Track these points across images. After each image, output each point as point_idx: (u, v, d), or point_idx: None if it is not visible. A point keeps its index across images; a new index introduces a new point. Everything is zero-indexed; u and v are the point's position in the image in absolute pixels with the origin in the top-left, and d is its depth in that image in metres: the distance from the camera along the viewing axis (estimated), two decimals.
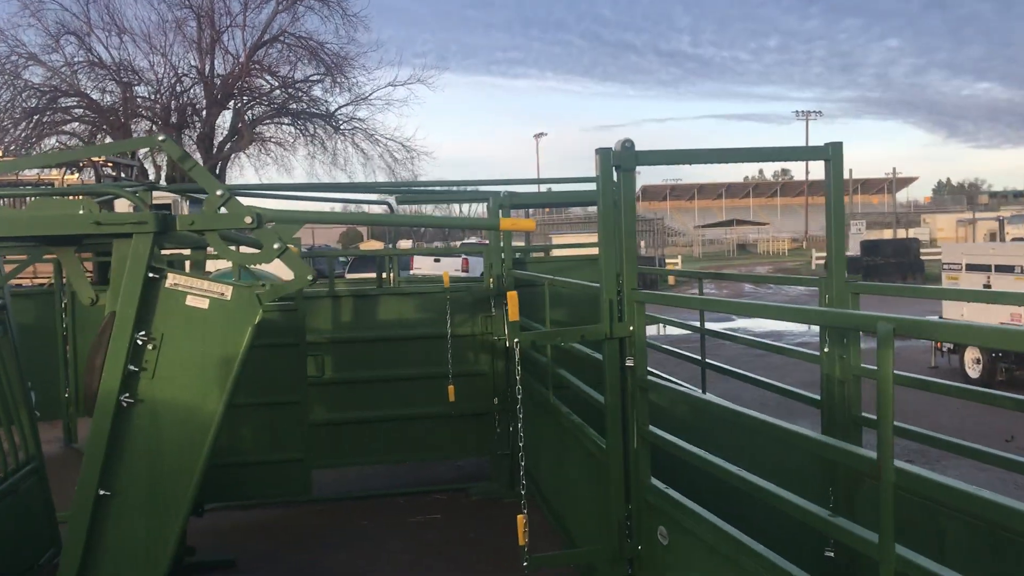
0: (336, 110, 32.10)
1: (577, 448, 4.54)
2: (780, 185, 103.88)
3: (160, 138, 3.25)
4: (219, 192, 3.25)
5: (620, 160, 3.39)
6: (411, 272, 24.84)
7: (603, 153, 3.40)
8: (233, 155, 31.48)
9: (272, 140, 32.55)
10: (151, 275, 3.18)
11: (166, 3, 29.05)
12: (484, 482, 6.95)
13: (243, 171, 32.25)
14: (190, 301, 3.24)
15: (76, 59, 29.09)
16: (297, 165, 36.53)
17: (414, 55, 56.72)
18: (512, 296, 3.45)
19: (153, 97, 30.41)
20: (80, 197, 3.36)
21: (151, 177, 26.96)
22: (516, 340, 3.38)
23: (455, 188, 7.43)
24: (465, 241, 33.62)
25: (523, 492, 3.79)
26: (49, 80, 28.67)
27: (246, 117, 31.67)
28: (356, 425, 6.65)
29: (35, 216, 3.13)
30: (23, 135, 27.36)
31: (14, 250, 5.23)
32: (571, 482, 4.97)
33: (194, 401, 3.26)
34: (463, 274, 21.78)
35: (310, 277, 3.30)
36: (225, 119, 31.19)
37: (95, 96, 29.43)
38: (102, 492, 3.20)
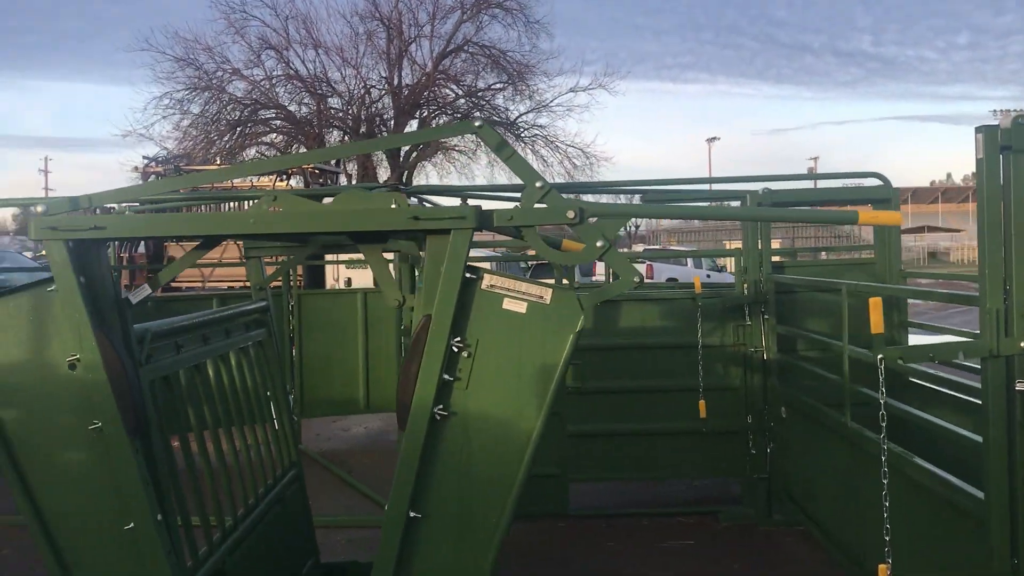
0: (517, 118, 32.20)
1: (901, 482, 3.93)
2: (971, 190, 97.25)
3: (477, 124, 2.95)
4: (538, 184, 2.91)
5: (1012, 140, 2.82)
6: (591, 279, 24.36)
7: (987, 132, 2.84)
8: (418, 164, 32.05)
9: (455, 148, 32.99)
10: (467, 275, 2.87)
11: (358, 16, 29.96)
12: (735, 507, 6.40)
13: (428, 179, 32.76)
14: (507, 304, 2.91)
15: (275, 73, 30.45)
16: (479, 173, 36.86)
17: (584, 63, 56.69)
18: (875, 304, 2.96)
19: (344, 108, 31.43)
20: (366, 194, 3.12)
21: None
22: (881, 356, 2.88)
23: (698, 187, 6.94)
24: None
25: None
26: (250, 93, 30.13)
27: (430, 126, 32.25)
28: (607, 438, 6.27)
29: (348, 211, 2.88)
30: (228, 146, 28.82)
31: (273, 251, 5.15)
32: (878, 518, 4.37)
33: (509, 415, 2.92)
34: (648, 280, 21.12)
35: (636, 279, 2.91)
36: (411, 128, 31.88)
37: (291, 108, 30.71)
38: (412, 514, 2.91)
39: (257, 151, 30.18)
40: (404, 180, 29.69)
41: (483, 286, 2.91)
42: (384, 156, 30.58)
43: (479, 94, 31.71)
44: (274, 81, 30.37)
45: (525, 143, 32.29)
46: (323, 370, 9.07)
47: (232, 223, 2.80)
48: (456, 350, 2.88)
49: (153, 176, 15.90)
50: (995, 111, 77.33)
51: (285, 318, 8.95)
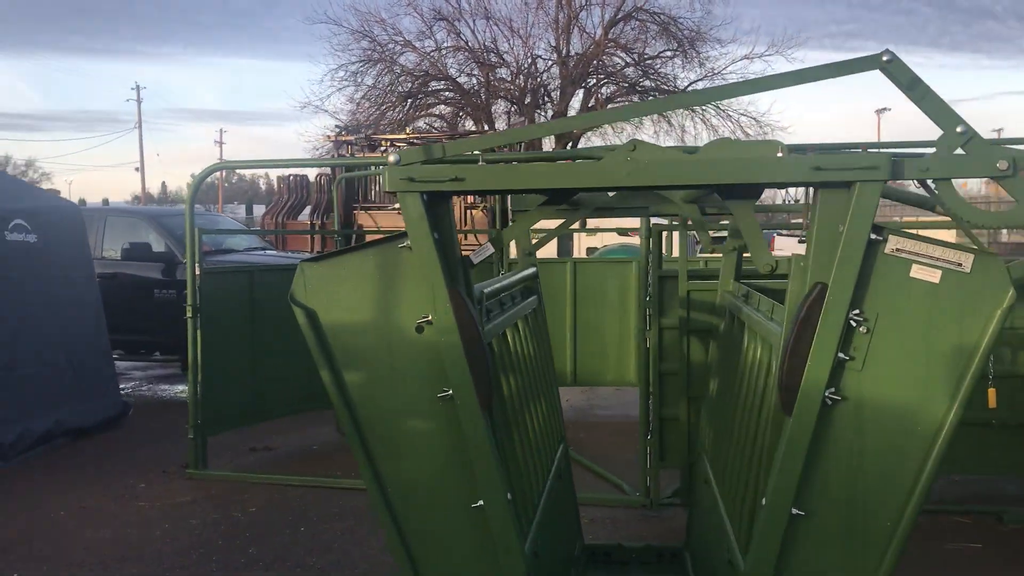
0: (688, 86, 31.31)
1: None
2: None
3: (885, 59, 2.51)
4: (959, 129, 2.45)
5: None
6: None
7: None
8: (582, 135, 31.65)
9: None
10: (872, 236, 2.46)
11: None
12: (1022, 508, 5.76)
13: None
14: (916, 272, 2.48)
15: (445, 44, 30.65)
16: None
17: (742, 32, 54.20)
18: None
19: (511, 79, 31.34)
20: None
21: None
22: None
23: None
24: None
25: None
26: (419, 65, 30.44)
27: (598, 96, 31.81)
28: None
29: (738, 161, 2.51)
30: (399, 117, 29.22)
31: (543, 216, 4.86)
32: None
33: (912, 403, 2.50)
34: None
35: None
36: (576, 99, 31.51)
37: (460, 80, 30.88)
38: (795, 511, 2.54)
39: (425, 123, 30.49)
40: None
41: (888, 249, 2.48)
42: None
43: (648, 62, 31.02)
44: (443, 52, 30.59)
45: (695, 112, 31.45)
46: None
47: (605, 174, 2.50)
48: (854, 325, 2.48)
49: (345, 145, 16.13)
50: None
51: None
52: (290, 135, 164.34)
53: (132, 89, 70.85)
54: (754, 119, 31.64)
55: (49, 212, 8.24)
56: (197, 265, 6.80)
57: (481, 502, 2.66)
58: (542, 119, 31.14)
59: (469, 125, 30.71)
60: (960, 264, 2.46)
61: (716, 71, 31.22)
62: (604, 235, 15.07)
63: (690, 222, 5.08)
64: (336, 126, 20.97)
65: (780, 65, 29.98)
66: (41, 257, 7.91)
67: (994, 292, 2.44)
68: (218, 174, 68.45)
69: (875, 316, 2.48)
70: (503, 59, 30.80)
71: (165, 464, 7.20)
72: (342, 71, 29.31)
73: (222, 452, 7.30)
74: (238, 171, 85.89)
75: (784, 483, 2.53)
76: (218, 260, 10.23)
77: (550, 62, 31.28)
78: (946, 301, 2.46)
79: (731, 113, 31.63)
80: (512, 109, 31.14)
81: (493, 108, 31.27)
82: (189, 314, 6.78)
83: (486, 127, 29.45)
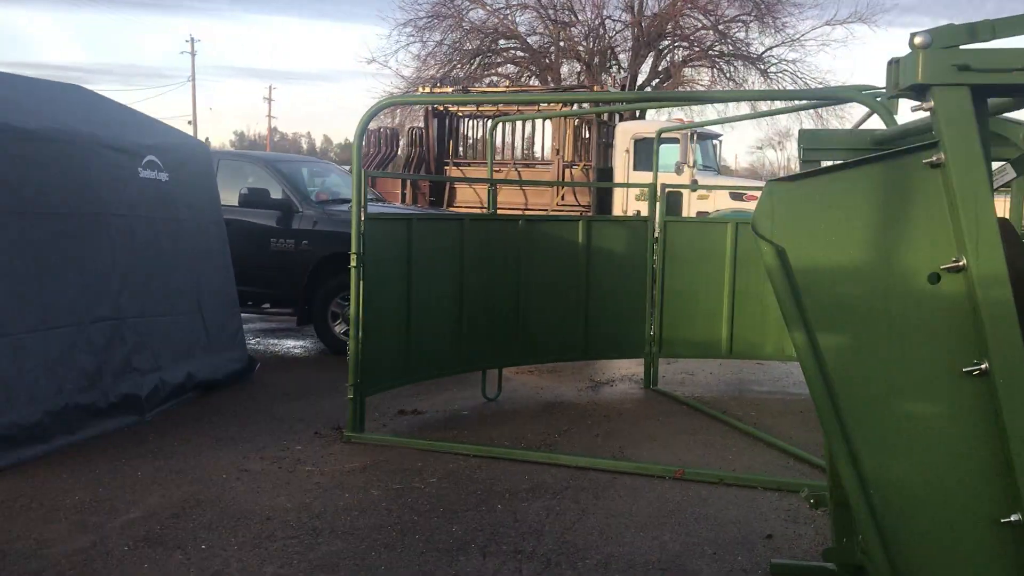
0: (764, 52, 30.29)
1: None
2: None
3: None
4: None
5: None
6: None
7: None
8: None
9: (693, 82, 31.52)
10: None
11: None
12: None
13: (659, 116, 31.40)
14: None
15: (514, 1, 29.76)
16: (712, 110, 35.02)
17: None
18: None
19: (580, 39, 30.44)
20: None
21: None
22: None
23: None
24: None
25: None
26: (487, 22, 29.57)
27: (671, 59, 30.88)
28: None
29: None
30: (467, 74, 28.43)
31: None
32: None
33: None
34: None
35: None
36: (646, 63, 30.52)
37: (530, 39, 30.03)
38: None
39: (491, 82, 29.68)
40: (636, 116, 28.48)
41: None
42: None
43: (726, 24, 29.97)
44: (513, 9, 29.72)
45: (771, 79, 30.45)
46: (685, 307, 8.15)
47: None
48: None
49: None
50: None
51: (649, 249, 8.08)
52: (343, 93, 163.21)
53: (186, 41, 70.53)
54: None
55: (179, 149, 7.61)
56: (362, 211, 6.14)
57: (1018, 516, 1.96)
58: (609, 82, 30.21)
59: (535, 84, 29.86)
60: None
61: (794, 37, 30.17)
62: (717, 198, 14.24)
63: None
64: (433, 77, 20.22)
65: (862, 32, 28.88)
66: (172, 197, 7.30)
67: None
68: (264, 131, 67.81)
69: None
70: (576, 16, 29.88)
71: (312, 425, 6.60)
72: (410, 26, 28.55)
73: (369, 414, 6.68)
74: (280, 130, 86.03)
75: None
76: (337, 209, 9.61)
77: (619, 24, 30.33)
78: None
79: (808, 82, 30.61)
80: (582, 68, 30.23)
81: (563, 68, 30.41)
82: (353, 263, 6.13)
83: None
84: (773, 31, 29.66)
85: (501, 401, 7.50)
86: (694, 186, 12.87)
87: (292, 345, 10.05)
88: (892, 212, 2.00)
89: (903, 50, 1.97)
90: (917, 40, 1.91)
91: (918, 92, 1.95)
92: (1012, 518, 1.95)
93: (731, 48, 30.32)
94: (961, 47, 1.89)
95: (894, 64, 1.98)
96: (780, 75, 30.77)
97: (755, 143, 54.64)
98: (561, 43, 29.47)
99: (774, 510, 5.12)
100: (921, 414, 2.01)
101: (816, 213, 2.04)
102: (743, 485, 5.49)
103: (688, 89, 30.68)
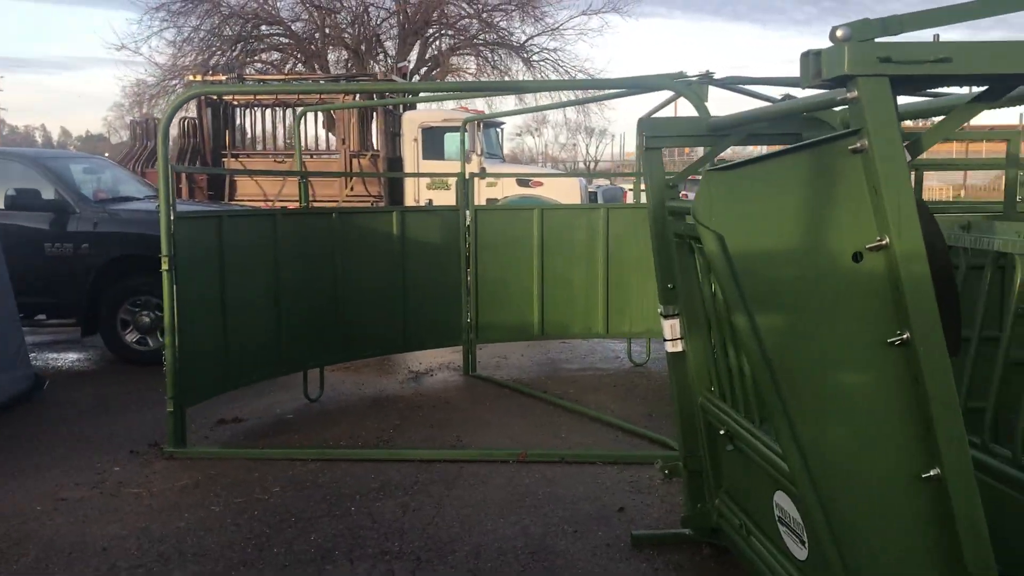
0: (526, 41, 31.14)
1: None
2: None
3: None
4: None
5: None
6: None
7: None
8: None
9: (460, 71, 31.91)
10: None
11: None
12: None
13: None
14: None
15: None
16: (479, 99, 35.45)
17: None
18: None
19: (345, 26, 29.94)
20: None
21: None
22: None
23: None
24: None
25: None
26: (244, 7, 28.42)
27: (438, 47, 31.06)
28: None
29: None
30: (226, 62, 27.18)
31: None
32: None
33: None
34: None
35: None
36: (413, 51, 30.54)
37: (294, 26, 29.19)
38: None
39: (253, 69, 28.58)
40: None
41: None
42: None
43: (490, 13, 30.49)
44: None
45: (534, 67, 31.37)
46: (498, 293, 8.28)
47: None
48: None
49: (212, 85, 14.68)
50: None
51: (462, 237, 8.13)
52: (84, 82, 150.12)
53: None
54: (590, 76, 31.82)
55: None
56: (171, 210, 5.74)
57: (937, 471, 2.15)
58: (377, 69, 29.91)
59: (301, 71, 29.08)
60: None
61: (554, 26, 31.16)
62: (505, 185, 14.50)
63: None
64: (202, 63, 19.06)
65: (615, 22, 30.29)
66: None
67: None
68: None
69: None
70: (340, 2, 29.31)
71: (125, 443, 6.11)
72: (163, 11, 26.87)
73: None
74: (9, 123, 78.81)
75: None
76: (122, 208, 8.92)
77: (384, 11, 30.11)
78: None
79: (568, 70, 31.75)
80: (349, 56, 29.74)
81: (329, 55, 29.79)
82: (165, 266, 5.71)
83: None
84: (533, 20, 30.50)
85: (325, 401, 7.28)
86: (492, 175, 12.98)
87: (76, 358, 9.23)
88: (819, 197, 2.12)
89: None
90: (839, 33, 2.04)
91: (837, 82, 2.08)
92: (932, 472, 2.15)
93: (495, 37, 30.89)
94: (876, 40, 2.04)
95: (812, 56, 2.10)
96: (542, 64, 31.74)
97: (515, 130, 56.00)
98: (326, 30, 28.86)
99: (619, 483, 5.32)
100: (851, 384, 2.16)
101: (751, 201, 2.14)
102: (583, 462, 5.66)
103: (458, 79, 31.04)
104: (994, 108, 2.62)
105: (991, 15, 2.08)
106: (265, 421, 6.80)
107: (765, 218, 2.13)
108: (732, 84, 5.98)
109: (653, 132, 4.15)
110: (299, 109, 11.69)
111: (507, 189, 14.53)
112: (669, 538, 4.48)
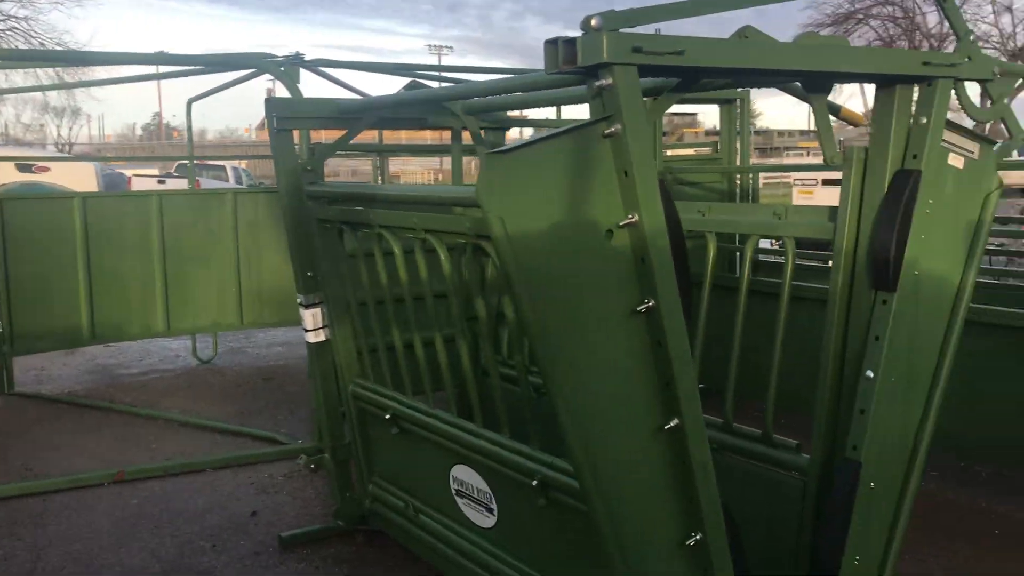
0: None
1: None
2: None
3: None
4: (972, 37, 2.95)
5: None
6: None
7: None
8: None
9: None
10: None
11: None
12: None
13: None
14: (951, 160, 2.92)
15: None
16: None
17: None
18: None
19: None
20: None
21: None
22: None
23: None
24: None
25: None
26: None
27: None
28: None
29: (873, 51, 2.62)
30: None
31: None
32: None
33: (945, 273, 2.97)
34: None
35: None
36: None
37: None
38: (869, 373, 2.82)
39: None
40: None
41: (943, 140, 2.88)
42: None
43: None
44: None
45: (2, 37, 27.89)
46: (38, 295, 7.23)
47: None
48: (928, 212, 2.84)
49: None
50: (430, 46, 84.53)
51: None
52: None
53: None
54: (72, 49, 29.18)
55: None
56: None
57: (676, 421, 2.39)
58: None
59: None
60: (973, 152, 2.98)
61: None
62: (4, 171, 12.56)
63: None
64: None
65: None
66: None
67: (988, 177, 3.03)
68: None
69: (930, 199, 2.87)
70: None
71: None
72: None
73: None
74: None
75: (879, 350, 2.78)
76: None
77: None
78: (964, 185, 2.97)
79: (43, 42, 28.94)
80: None
81: None
82: None
83: None
84: None
85: None
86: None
87: None
88: (578, 179, 2.20)
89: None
90: (594, 23, 2.12)
91: (590, 70, 2.17)
92: (671, 423, 2.38)
93: None
94: (623, 30, 2.16)
95: (564, 43, 2.16)
96: (11, 33, 28.34)
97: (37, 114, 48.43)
98: None
99: (240, 488, 5.00)
100: (604, 348, 2.30)
101: (523, 183, 2.14)
102: (193, 471, 5.23)
103: None
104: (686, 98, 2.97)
105: (698, 15, 2.34)
106: None
107: (536, 200, 2.16)
108: (319, 67, 5.88)
109: (283, 113, 3.93)
110: None
111: (9, 175, 12.63)
112: (319, 533, 4.34)
